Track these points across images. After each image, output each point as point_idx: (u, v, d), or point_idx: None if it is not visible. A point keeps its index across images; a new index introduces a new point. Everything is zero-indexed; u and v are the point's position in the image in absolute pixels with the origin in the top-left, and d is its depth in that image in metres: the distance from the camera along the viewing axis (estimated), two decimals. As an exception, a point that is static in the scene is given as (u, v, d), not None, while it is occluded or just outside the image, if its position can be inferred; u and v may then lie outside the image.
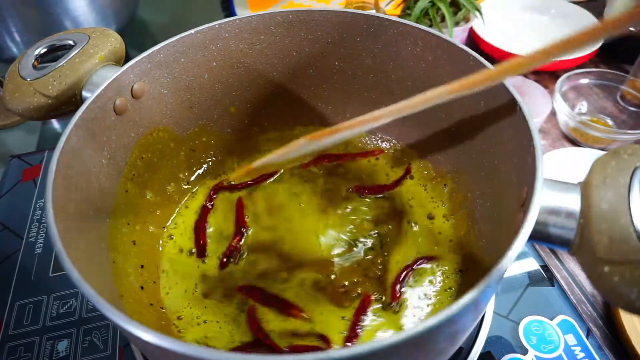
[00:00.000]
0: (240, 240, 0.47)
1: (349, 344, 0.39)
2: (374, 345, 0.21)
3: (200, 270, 0.45)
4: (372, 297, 0.41)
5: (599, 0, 0.86)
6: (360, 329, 0.39)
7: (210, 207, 0.50)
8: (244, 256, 0.46)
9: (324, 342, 0.39)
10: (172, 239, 0.47)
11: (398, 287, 0.42)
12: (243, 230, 0.47)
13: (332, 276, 0.43)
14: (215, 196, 0.51)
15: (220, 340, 0.40)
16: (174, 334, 0.40)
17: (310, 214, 0.49)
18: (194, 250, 0.46)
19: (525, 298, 0.47)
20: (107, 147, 0.39)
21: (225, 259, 0.45)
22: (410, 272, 0.43)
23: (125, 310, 0.35)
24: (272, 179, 0.52)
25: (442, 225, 0.47)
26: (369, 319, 0.40)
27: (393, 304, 0.41)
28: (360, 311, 0.40)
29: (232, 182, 0.52)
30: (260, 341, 0.39)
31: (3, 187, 0.61)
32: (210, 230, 0.48)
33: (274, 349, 0.39)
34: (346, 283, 0.43)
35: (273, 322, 0.41)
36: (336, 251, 0.45)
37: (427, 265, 0.43)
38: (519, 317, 0.45)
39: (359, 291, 0.42)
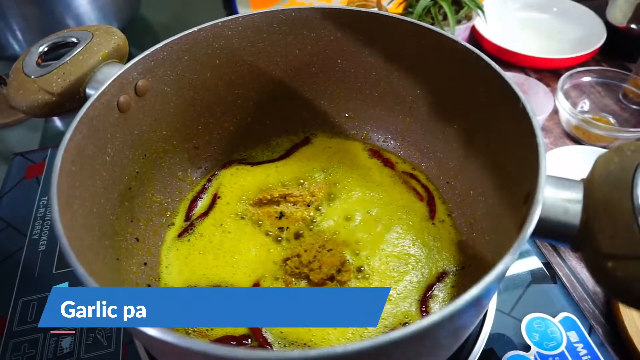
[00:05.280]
0: (205, 216, 0.48)
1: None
2: (378, 340, 0.22)
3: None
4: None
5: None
6: None
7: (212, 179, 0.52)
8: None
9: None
10: (174, 232, 0.47)
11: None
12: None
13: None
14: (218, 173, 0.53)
15: (218, 329, 0.40)
16: (178, 328, 0.40)
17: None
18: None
19: (528, 295, 0.47)
20: (110, 145, 0.39)
21: (183, 230, 0.47)
22: (429, 299, 0.42)
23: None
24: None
25: (445, 222, 0.47)
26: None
27: None
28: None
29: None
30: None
31: (6, 184, 0.61)
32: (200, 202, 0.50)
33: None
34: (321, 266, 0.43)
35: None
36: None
37: (440, 293, 0.42)
38: (521, 314, 0.46)
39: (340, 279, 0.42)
